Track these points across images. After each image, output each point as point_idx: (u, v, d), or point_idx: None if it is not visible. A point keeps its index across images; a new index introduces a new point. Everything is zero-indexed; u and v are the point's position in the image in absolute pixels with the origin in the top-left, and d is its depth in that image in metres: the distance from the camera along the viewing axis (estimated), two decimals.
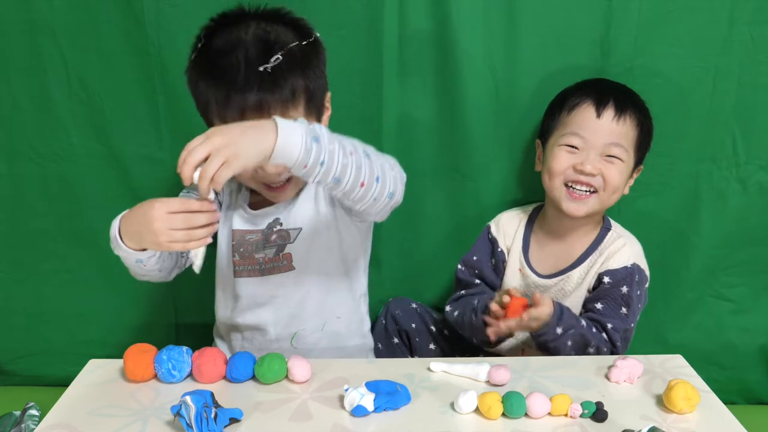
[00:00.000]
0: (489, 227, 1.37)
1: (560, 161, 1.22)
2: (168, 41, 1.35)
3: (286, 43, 1.05)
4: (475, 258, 1.35)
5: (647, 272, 1.27)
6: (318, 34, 1.12)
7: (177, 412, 0.84)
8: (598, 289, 1.24)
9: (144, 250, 1.04)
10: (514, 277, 1.33)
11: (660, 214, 1.45)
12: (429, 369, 1.01)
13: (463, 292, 1.34)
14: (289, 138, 0.88)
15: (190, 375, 0.99)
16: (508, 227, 1.36)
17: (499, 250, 1.34)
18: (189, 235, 0.96)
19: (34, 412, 1.37)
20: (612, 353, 1.18)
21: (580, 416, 0.90)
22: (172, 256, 1.13)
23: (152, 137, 1.43)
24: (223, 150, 0.86)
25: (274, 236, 1.18)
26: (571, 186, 1.22)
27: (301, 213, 1.17)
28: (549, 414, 0.90)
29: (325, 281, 1.20)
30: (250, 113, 1.02)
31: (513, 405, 0.89)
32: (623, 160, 1.21)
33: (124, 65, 1.39)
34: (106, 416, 0.91)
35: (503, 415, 0.90)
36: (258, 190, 1.17)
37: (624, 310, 1.20)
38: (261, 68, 1.01)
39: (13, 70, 1.40)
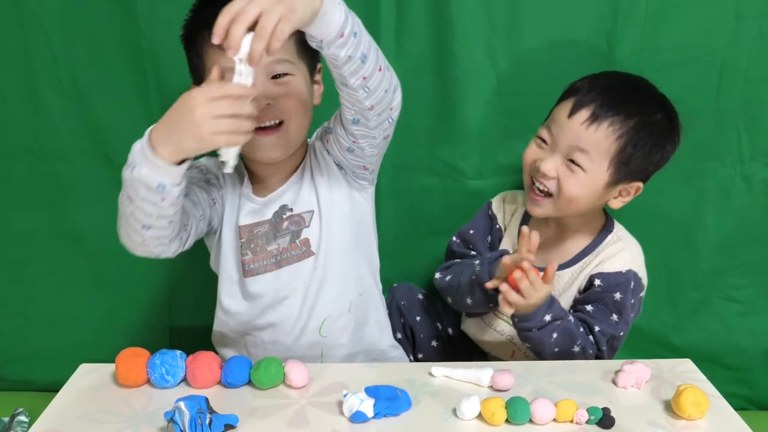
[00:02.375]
0: (490, 203, 1.34)
1: (528, 152, 1.20)
2: (161, 34, 1.34)
3: None
4: (471, 232, 1.32)
5: (644, 280, 1.23)
6: None
7: (170, 418, 0.84)
8: (588, 291, 1.20)
9: (180, 164, 0.94)
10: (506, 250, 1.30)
11: (664, 212, 1.45)
12: (430, 374, 1.00)
13: (457, 261, 1.31)
14: (332, 2, 0.88)
15: (184, 380, 0.98)
16: (508, 205, 1.33)
17: (497, 227, 1.32)
18: (236, 124, 0.89)
19: (23, 418, 1.36)
20: (597, 358, 1.16)
21: (586, 422, 0.89)
22: (183, 211, 1.04)
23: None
24: (276, 5, 0.82)
25: (285, 223, 1.17)
26: (534, 182, 1.19)
27: (310, 194, 1.17)
28: (554, 420, 0.89)
29: (345, 260, 1.19)
30: None
31: (517, 411, 0.88)
32: (586, 170, 1.13)
33: (115, 59, 1.38)
34: (97, 422, 0.90)
35: (507, 421, 0.89)
36: (249, 149, 1.11)
37: (615, 317, 1.16)
38: None
39: (0, 65, 1.39)
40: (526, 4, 1.33)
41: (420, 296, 1.44)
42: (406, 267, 1.52)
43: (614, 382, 0.98)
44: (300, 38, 1.05)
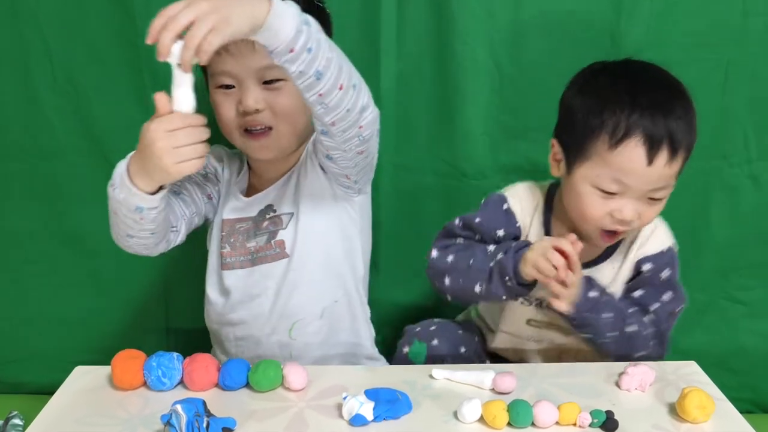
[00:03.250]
0: (505, 198, 1.18)
1: (595, 208, 1.05)
2: None
3: None
4: (478, 220, 1.17)
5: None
6: (329, 12, 1.13)
7: (167, 421, 0.83)
8: (637, 279, 1.14)
9: (155, 193, 0.99)
10: None
11: (669, 212, 1.43)
12: (431, 376, 1.00)
13: (457, 240, 1.18)
14: (283, 10, 0.85)
15: (181, 382, 0.98)
16: (526, 203, 1.19)
17: (517, 225, 1.17)
18: (197, 150, 0.92)
19: (17, 421, 1.36)
20: (658, 337, 1.12)
21: (590, 425, 0.89)
22: (166, 221, 1.10)
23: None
24: (211, 14, 0.80)
25: (265, 223, 1.19)
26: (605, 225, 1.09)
27: (292, 197, 1.17)
28: (557, 423, 0.89)
29: (321, 266, 1.19)
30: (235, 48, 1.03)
31: (519, 414, 0.88)
32: (666, 195, 1.07)
33: (112, 58, 1.38)
34: (93, 425, 0.90)
35: (509, 424, 0.89)
36: (240, 145, 1.16)
37: (668, 294, 1.12)
38: None
39: None
40: (527, 1, 1.33)
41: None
42: (407, 268, 1.52)
43: (618, 384, 0.98)
44: None
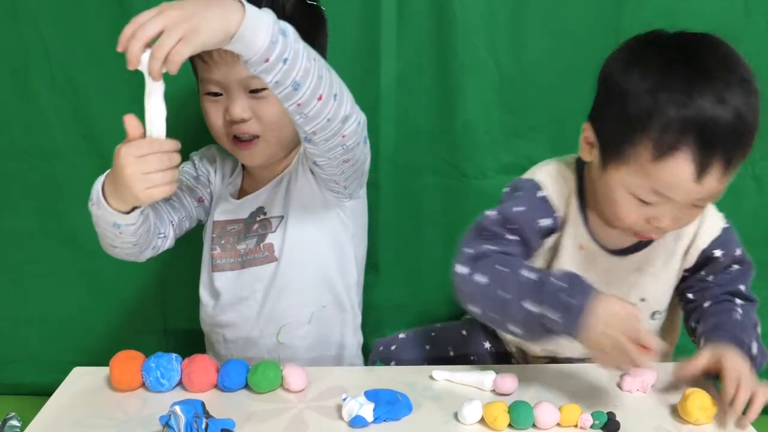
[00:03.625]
0: (538, 185, 1.04)
1: (630, 214, 0.94)
2: None
3: None
4: (519, 209, 1.01)
5: None
6: (324, 9, 1.13)
7: (166, 422, 0.83)
8: (710, 266, 1.07)
9: (130, 212, 1.00)
10: (571, 258, 1.05)
11: None
12: (431, 377, 1.00)
13: (489, 247, 1.00)
14: (257, 20, 0.83)
15: (180, 383, 0.98)
16: (560, 187, 1.04)
17: (556, 215, 1.03)
18: (167, 176, 0.91)
19: (14, 422, 1.36)
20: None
21: (591, 427, 0.89)
22: (149, 232, 1.10)
23: (141, 133, 1.42)
24: (181, 23, 0.78)
25: (255, 225, 1.19)
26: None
27: (283, 200, 1.17)
28: (558, 425, 0.89)
29: (310, 271, 1.19)
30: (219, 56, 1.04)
31: (520, 415, 0.88)
32: (713, 201, 0.97)
33: (110, 57, 1.36)
34: (91, 427, 0.90)
35: (510, 425, 0.89)
36: (228, 149, 1.17)
37: (738, 267, 1.08)
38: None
39: None
40: (529, 0, 1.33)
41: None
42: (407, 268, 1.52)
43: (619, 385, 0.98)
44: None
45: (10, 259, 1.53)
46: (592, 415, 0.89)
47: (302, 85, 0.89)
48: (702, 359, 0.95)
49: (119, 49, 0.81)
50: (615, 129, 0.92)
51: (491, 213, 1.02)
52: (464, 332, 1.23)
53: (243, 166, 1.25)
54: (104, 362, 1.00)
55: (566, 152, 1.10)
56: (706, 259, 1.08)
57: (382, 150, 1.41)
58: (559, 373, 1.02)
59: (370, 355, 1.23)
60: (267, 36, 0.84)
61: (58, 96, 1.42)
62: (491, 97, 1.39)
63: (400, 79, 1.39)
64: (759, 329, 1.07)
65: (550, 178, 1.05)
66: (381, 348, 1.22)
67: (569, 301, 0.88)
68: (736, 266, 1.10)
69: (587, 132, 0.98)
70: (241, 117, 1.09)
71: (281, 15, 1.04)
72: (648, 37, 0.96)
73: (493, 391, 0.97)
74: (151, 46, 0.80)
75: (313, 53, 0.91)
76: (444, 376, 1.00)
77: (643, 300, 1.09)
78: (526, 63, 1.37)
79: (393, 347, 1.21)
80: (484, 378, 0.97)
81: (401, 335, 1.23)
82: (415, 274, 1.53)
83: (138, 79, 1.36)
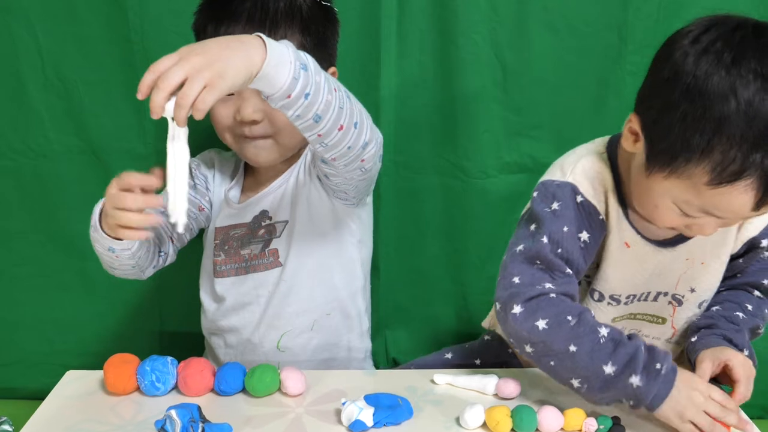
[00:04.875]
0: (574, 187, 0.96)
1: (671, 220, 0.91)
2: (152, 27, 1.34)
3: None
4: (566, 229, 0.95)
5: None
6: (336, 10, 1.14)
7: (161, 427, 0.84)
8: (751, 254, 1.05)
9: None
10: (620, 257, 1.00)
11: None
12: (432, 381, 1.00)
13: (549, 286, 0.92)
14: (279, 57, 0.82)
15: (176, 387, 0.98)
16: (598, 184, 0.97)
17: (600, 218, 0.97)
18: (141, 220, 0.91)
19: (6, 427, 1.36)
20: None
21: None
22: (149, 252, 1.12)
23: (134, 131, 1.43)
24: (204, 70, 0.77)
25: (261, 230, 1.19)
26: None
27: (289, 205, 1.17)
28: (562, 429, 0.90)
29: (315, 277, 1.19)
30: None
31: (523, 420, 0.88)
32: None
33: (104, 53, 1.39)
34: None
35: (513, 430, 0.89)
36: (234, 147, 1.16)
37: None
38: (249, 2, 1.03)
39: None
40: None
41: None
42: (407, 269, 1.52)
43: None
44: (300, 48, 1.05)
45: (2, 260, 1.53)
46: (596, 419, 0.89)
47: (323, 118, 0.90)
48: (705, 371, 0.95)
49: (140, 97, 0.80)
50: (668, 133, 0.84)
51: (544, 241, 0.94)
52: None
53: (245, 167, 1.24)
54: (98, 365, 1.00)
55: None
56: (751, 247, 1.05)
57: (383, 149, 1.41)
58: None
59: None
60: (289, 72, 0.84)
61: (49, 93, 1.42)
62: (493, 94, 1.39)
63: (400, 76, 1.39)
64: (761, 331, 1.06)
65: (586, 178, 0.97)
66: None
67: (654, 367, 0.87)
68: (761, 257, 1.06)
69: (632, 123, 0.90)
70: (252, 119, 1.09)
71: (299, 16, 1.05)
72: (729, 25, 0.84)
73: (496, 395, 0.97)
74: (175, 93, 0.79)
75: (334, 83, 0.91)
76: (445, 380, 1.00)
77: (692, 291, 1.05)
78: (529, 59, 1.37)
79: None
80: (487, 382, 0.98)
81: (417, 361, 1.23)
82: (416, 274, 1.54)
83: (132, 75, 1.38)
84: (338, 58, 1.33)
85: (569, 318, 0.90)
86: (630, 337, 0.90)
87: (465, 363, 1.18)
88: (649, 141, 0.88)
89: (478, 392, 0.98)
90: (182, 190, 0.82)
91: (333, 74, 1.15)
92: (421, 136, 1.43)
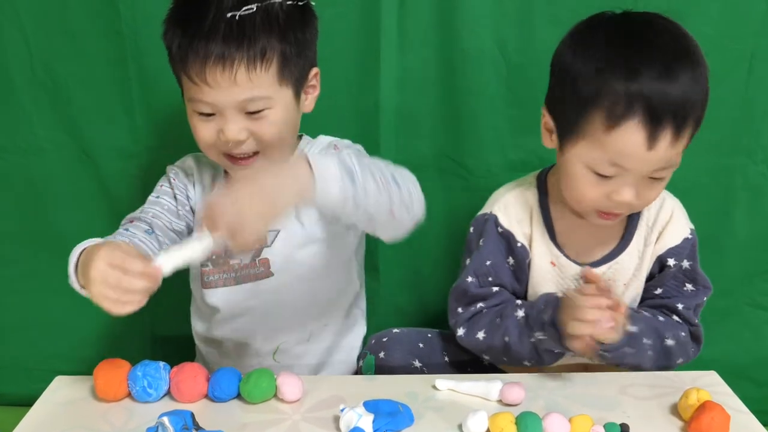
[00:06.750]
0: (495, 218, 1.15)
1: (590, 190, 1.03)
2: (143, 21, 1.34)
3: None
4: (488, 263, 1.14)
5: None
6: (313, 3, 1.12)
7: None
8: (662, 274, 1.14)
9: None
10: (545, 276, 1.15)
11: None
12: (434, 387, 1.01)
13: (480, 305, 1.14)
14: (327, 182, 0.87)
15: (168, 393, 0.98)
16: (520, 212, 1.15)
17: (519, 245, 1.14)
18: (123, 296, 0.88)
19: None
20: (693, 338, 1.13)
21: None
22: None
23: (125, 128, 1.43)
24: (261, 217, 0.85)
25: None
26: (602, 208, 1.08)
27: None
28: None
29: (310, 286, 1.19)
30: (212, 65, 1.01)
31: (528, 427, 0.88)
32: (670, 174, 1.04)
33: (93, 48, 1.38)
34: None
35: None
36: (225, 167, 1.15)
37: (689, 286, 1.12)
38: (228, 15, 1.01)
39: None
40: None
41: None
42: (408, 270, 1.52)
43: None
44: (282, 64, 1.04)
45: None
46: (604, 426, 0.89)
47: (375, 216, 0.94)
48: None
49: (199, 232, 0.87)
50: (569, 109, 1.02)
51: (468, 279, 1.15)
52: (420, 344, 1.25)
53: (226, 172, 1.21)
54: (88, 371, 1.00)
55: None
56: (661, 266, 1.15)
57: (383, 146, 1.41)
58: (569, 382, 1.03)
59: (362, 349, 1.25)
60: (338, 191, 0.88)
61: (37, 89, 1.41)
62: (497, 90, 1.39)
63: (401, 71, 1.39)
64: (669, 344, 1.09)
65: (504, 207, 1.16)
66: (374, 341, 1.24)
67: (543, 318, 1.05)
68: (689, 285, 1.13)
69: (545, 117, 1.10)
70: (237, 139, 1.06)
71: (277, 26, 1.04)
72: (593, 20, 1.06)
73: (500, 401, 0.97)
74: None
75: (379, 174, 0.94)
76: (447, 385, 1.00)
77: None
78: (534, 53, 1.37)
79: (385, 339, 1.23)
80: (490, 387, 0.98)
81: (395, 330, 1.26)
82: (416, 275, 1.54)
83: (122, 70, 1.38)
84: (336, 54, 1.34)
85: (497, 320, 1.11)
86: (540, 299, 1.09)
87: (458, 360, 1.24)
88: (557, 123, 1.07)
89: (481, 398, 0.98)
90: (178, 262, 0.89)
91: (315, 75, 1.13)
92: (422, 133, 1.43)
